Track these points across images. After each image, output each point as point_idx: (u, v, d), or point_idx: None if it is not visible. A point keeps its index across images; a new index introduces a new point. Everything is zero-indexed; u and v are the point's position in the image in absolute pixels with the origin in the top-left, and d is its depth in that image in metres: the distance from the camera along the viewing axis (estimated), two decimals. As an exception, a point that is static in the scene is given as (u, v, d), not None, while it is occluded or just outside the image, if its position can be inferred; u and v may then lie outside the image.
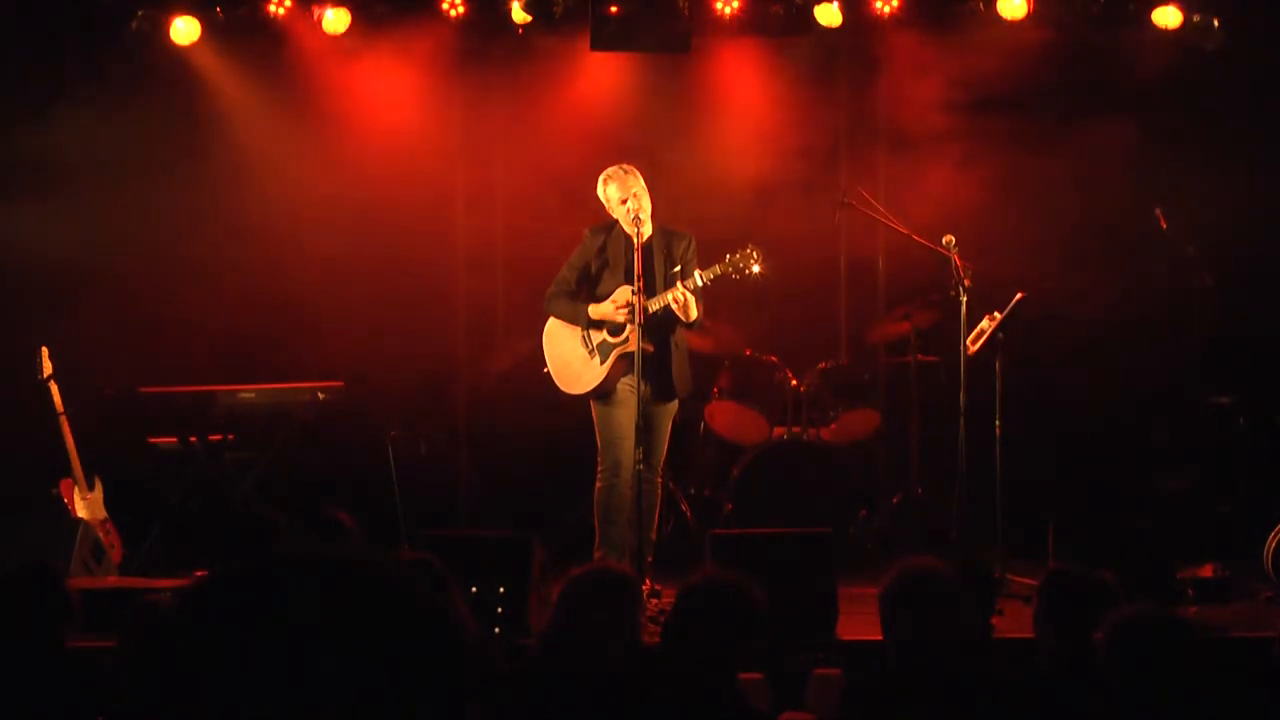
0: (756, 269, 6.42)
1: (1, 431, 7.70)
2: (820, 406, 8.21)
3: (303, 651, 1.42)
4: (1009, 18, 8.15)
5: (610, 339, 6.64)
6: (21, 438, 7.56)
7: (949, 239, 7.01)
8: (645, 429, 6.47)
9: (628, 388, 6.57)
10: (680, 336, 6.71)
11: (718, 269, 6.43)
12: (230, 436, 7.68)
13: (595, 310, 6.65)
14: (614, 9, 8.25)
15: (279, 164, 8.59)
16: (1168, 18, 8.20)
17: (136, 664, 1.48)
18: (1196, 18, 8.12)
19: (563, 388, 6.76)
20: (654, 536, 6.72)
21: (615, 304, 6.59)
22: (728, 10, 8.35)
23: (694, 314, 6.48)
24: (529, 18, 8.26)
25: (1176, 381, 8.10)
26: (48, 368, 7.27)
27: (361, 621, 1.45)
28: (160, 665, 1.46)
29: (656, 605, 6.09)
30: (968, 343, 7.01)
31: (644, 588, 6.21)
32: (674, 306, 6.43)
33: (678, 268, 6.59)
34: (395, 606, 1.48)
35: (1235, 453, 7.64)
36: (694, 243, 6.71)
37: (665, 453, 6.79)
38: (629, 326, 6.52)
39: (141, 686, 1.47)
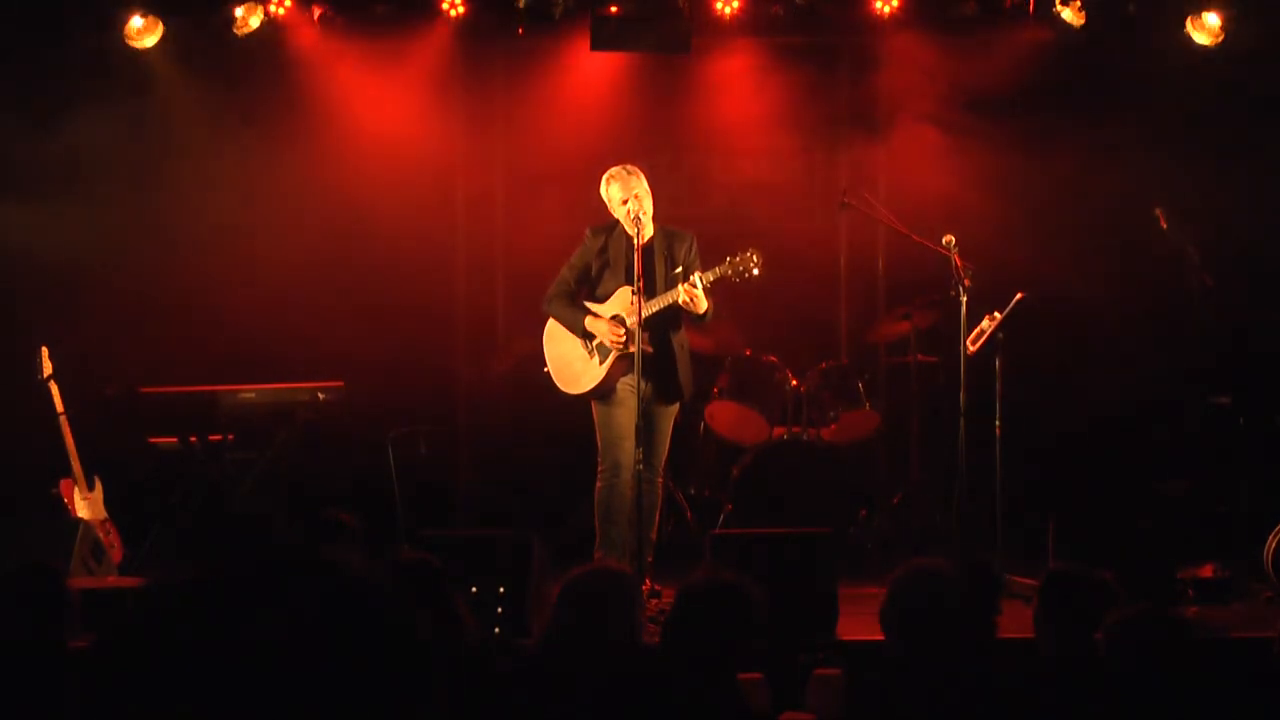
0: (756, 271, 6.41)
1: (1, 431, 7.70)
2: (820, 406, 8.20)
3: (264, 652, 1.41)
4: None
5: (607, 345, 6.64)
6: (21, 438, 7.56)
7: (949, 239, 7.01)
8: (646, 429, 6.46)
9: (628, 388, 6.57)
10: (682, 337, 6.70)
11: (718, 271, 6.42)
12: (230, 436, 7.67)
13: (592, 325, 6.64)
14: (614, 9, 8.26)
15: (279, 164, 8.59)
16: (1169, 19, 8.20)
17: (103, 661, 1.49)
18: (1198, 18, 8.12)
19: (562, 388, 6.75)
20: (654, 536, 6.71)
21: (610, 322, 6.57)
22: (728, 10, 8.35)
23: (704, 306, 6.44)
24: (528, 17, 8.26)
25: (1176, 381, 8.09)
26: (48, 368, 7.27)
27: (326, 624, 1.45)
28: (125, 662, 1.46)
29: (656, 605, 6.09)
30: (968, 343, 7.01)
31: (644, 588, 6.22)
32: (686, 305, 6.41)
33: (679, 269, 6.58)
34: (362, 610, 1.48)
35: (1235, 453, 7.64)
36: (695, 244, 6.70)
37: (666, 453, 6.79)
38: (628, 329, 6.51)
39: (109, 683, 1.47)
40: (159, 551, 7.39)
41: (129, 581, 6.69)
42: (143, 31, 8.11)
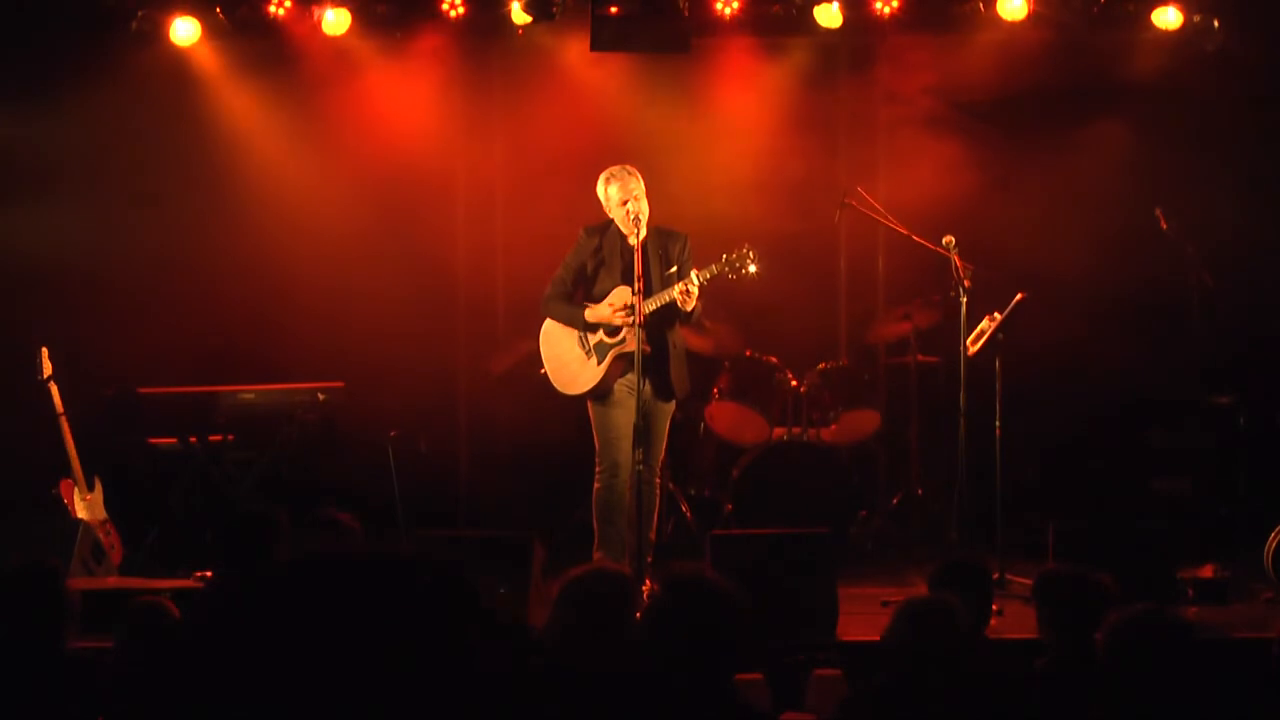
0: (753, 268, 6.41)
1: (1, 431, 7.70)
2: (820, 406, 8.20)
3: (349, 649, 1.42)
4: (1009, 19, 8.15)
5: (607, 339, 6.64)
6: (21, 438, 7.56)
7: (949, 239, 7.02)
8: (643, 429, 6.46)
9: (625, 388, 6.57)
10: (678, 336, 6.70)
11: (714, 269, 6.42)
12: (230, 437, 7.68)
13: (592, 314, 6.64)
14: (614, 9, 8.25)
15: (278, 164, 8.59)
16: (1168, 18, 8.20)
17: (144, 663, 1.50)
18: (1196, 18, 8.12)
19: (559, 388, 6.75)
20: (654, 537, 6.71)
21: (613, 307, 6.59)
22: (728, 10, 8.35)
23: (692, 304, 6.45)
24: (529, 18, 8.25)
25: (1176, 381, 8.10)
26: (48, 368, 7.27)
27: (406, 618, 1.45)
28: (172, 664, 1.46)
29: (656, 605, 6.08)
30: (968, 343, 7.02)
31: (644, 588, 6.22)
32: (678, 301, 6.41)
33: (673, 268, 6.58)
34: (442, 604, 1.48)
35: (1235, 453, 7.64)
36: (689, 243, 6.70)
37: (663, 453, 6.79)
38: (626, 327, 6.52)
39: (146, 684, 1.47)
40: (159, 551, 7.40)
41: (129, 582, 6.69)
42: (187, 33, 8.16)
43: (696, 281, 6.41)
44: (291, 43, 8.49)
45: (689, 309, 6.48)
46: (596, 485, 6.65)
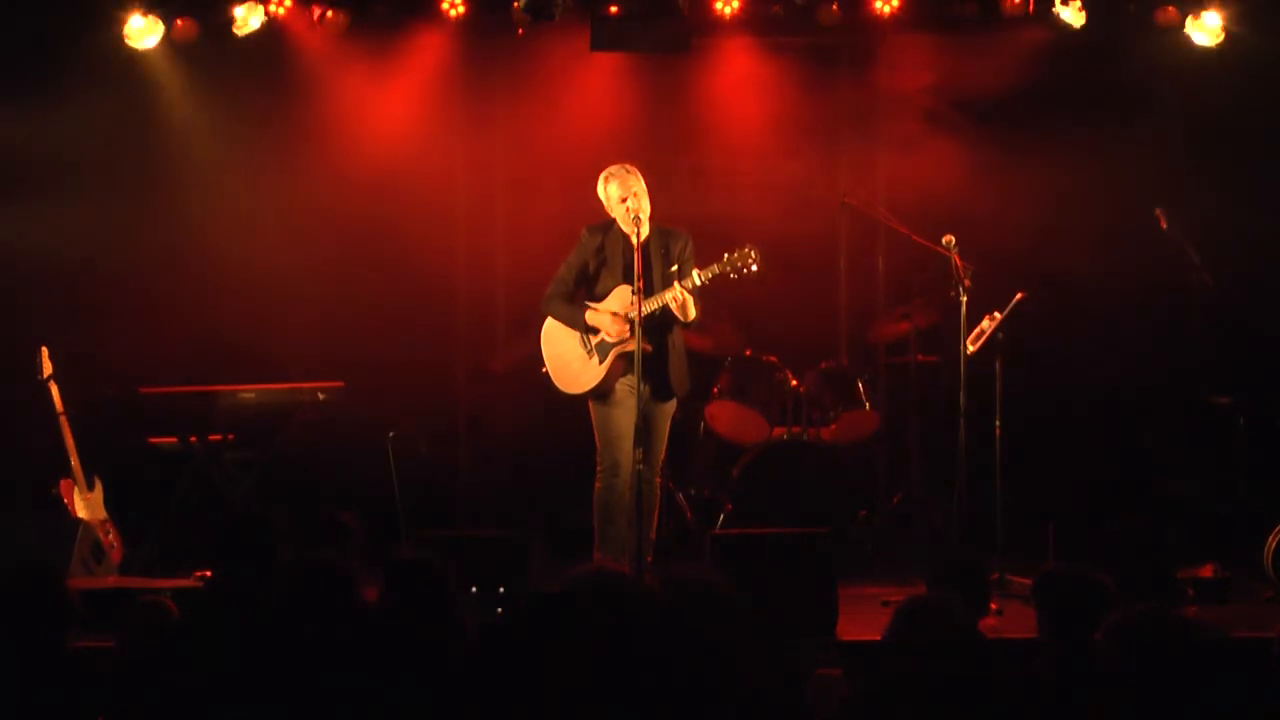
0: (755, 268, 6.42)
1: (1, 431, 7.70)
2: (820, 406, 8.21)
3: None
4: (1009, 17, 8.14)
5: (608, 339, 6.64)
6: (21, 438, 7.56)
7: (949, 239, 7.02)
8: (644, 429, 6.47)
9: (626, 388, 6.57)
10: (678, 336, 6.71)
11: (716, 268, 6.43)
12: (230, 436, 7.68)
13: (593, 318, 6.64)
14: (614, 9, 8.26)
15: (279, 164, 8.58)
16: (1169, 18, 8.19)
17: (144, 663, 1.50)
18: (1197, 18, 8.12)
19: (561, 388, 6.75)
20: (654, 536, 6.72)
21: (613, 315, 6.58)
22: (728, 10, 8.35)
23: (692, 314, 6.48)
24: (529, 18, 8.25)
25: (1176, 381, 8.10)
26: (48, 368, 7.27)
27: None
28: (172, 664, 1.47)
29: (656, 605, 6.08)
30: (968, 343, 7.02)
31: (644, 588, 6.22)
32: (672, 306, 6.43)
33: (675, 267, 6.58)
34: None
35: (1235, 453, 7.64)
36: (691, 242, 6.70)
37: (664, 452, 6.79)
38: (630, 322, 6.52)
39: (146, 684, 1.47)
40: (159, 551, 7.40)
41: (129, 581, 6.69)
42: (142, 31, 8.10)
43: (699, 280, 6.42)
44: (291, 41, 8.49)
45: (689, 319, 6.49)
46: (597, 485, 6.65)
